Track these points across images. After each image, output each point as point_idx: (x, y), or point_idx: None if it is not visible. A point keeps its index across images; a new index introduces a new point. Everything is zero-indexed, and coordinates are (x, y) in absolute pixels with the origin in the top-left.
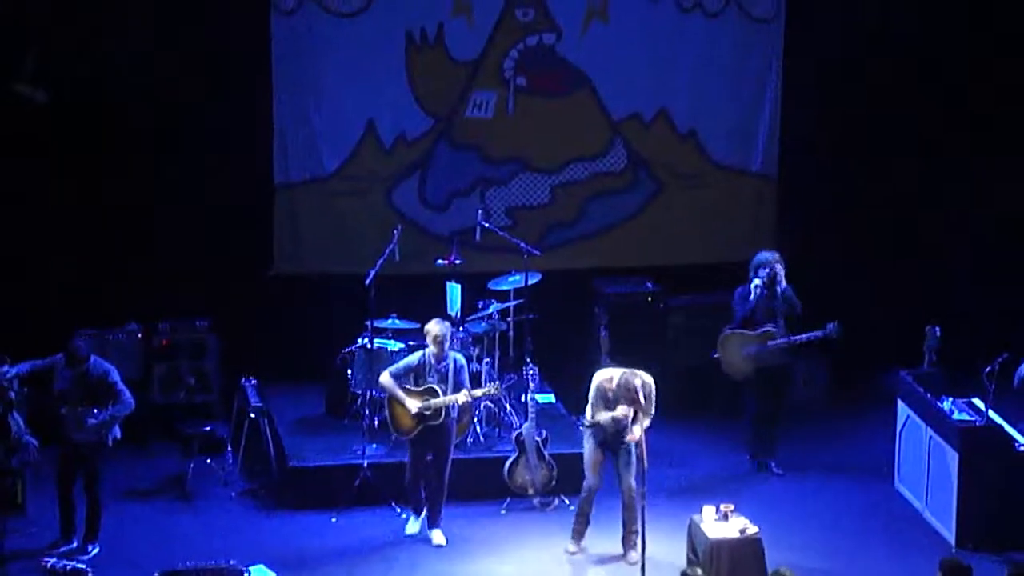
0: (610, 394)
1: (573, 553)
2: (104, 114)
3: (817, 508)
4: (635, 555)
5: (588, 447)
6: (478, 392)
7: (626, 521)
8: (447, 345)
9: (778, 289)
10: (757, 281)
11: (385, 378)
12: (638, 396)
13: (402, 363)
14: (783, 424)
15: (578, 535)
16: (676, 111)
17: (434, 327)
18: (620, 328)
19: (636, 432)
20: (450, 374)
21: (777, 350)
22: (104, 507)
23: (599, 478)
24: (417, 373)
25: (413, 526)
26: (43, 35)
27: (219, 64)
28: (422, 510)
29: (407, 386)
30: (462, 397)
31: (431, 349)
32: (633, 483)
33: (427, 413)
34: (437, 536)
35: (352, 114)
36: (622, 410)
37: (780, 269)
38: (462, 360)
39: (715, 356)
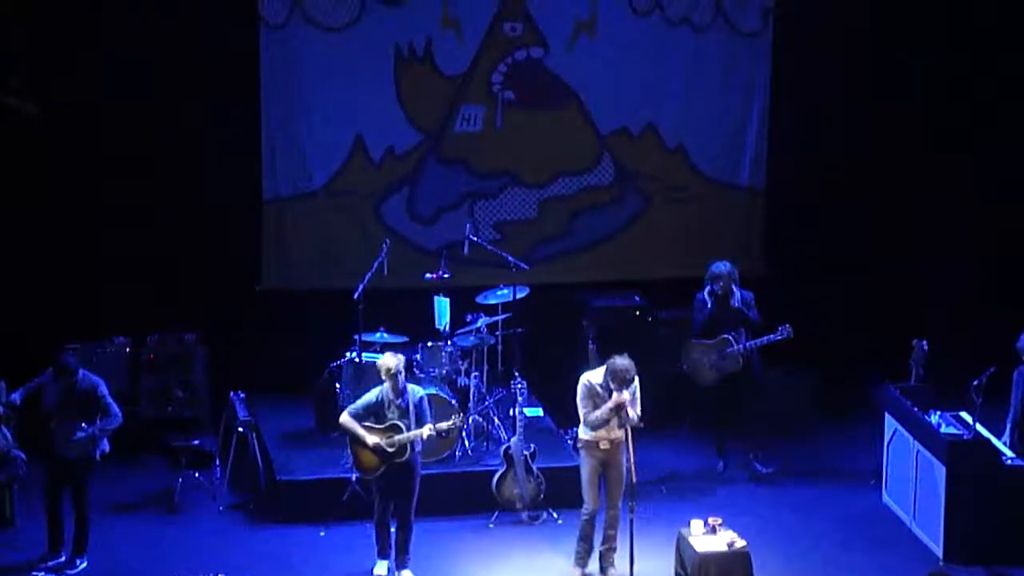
0: (600, 399)
1: None
2: (92, 130)
3: (804, 521)
4: (614, 572)
5: (585, 469)
6: (443, 426)
7: (607, 538)
8: (402, 378)
9: (733, 300)
10: (708, 288)
11: (344, 418)
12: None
13: (360, 401)
14: (760, 427)
15: (581, 560)
16: (664, 125)
17: (386, 360)
18: (608, 342)
19: (626, 397)
20: (411, 408)
21: (735, 357)
22: (92, 521)
23: (598, 501)
24: (376, 411)
25: (381, 568)
26: (34, 47)
27: (208, 78)
28: (388, 552)
29: (369, 424)
30: (426, 432)
31: (386, 384)
32: (620, 504)
33: (390, 450)
34: None
35: (341, 128)
36: (622, 396)
37: (734, 283)
38: (421, 392)
39: (684, 369)
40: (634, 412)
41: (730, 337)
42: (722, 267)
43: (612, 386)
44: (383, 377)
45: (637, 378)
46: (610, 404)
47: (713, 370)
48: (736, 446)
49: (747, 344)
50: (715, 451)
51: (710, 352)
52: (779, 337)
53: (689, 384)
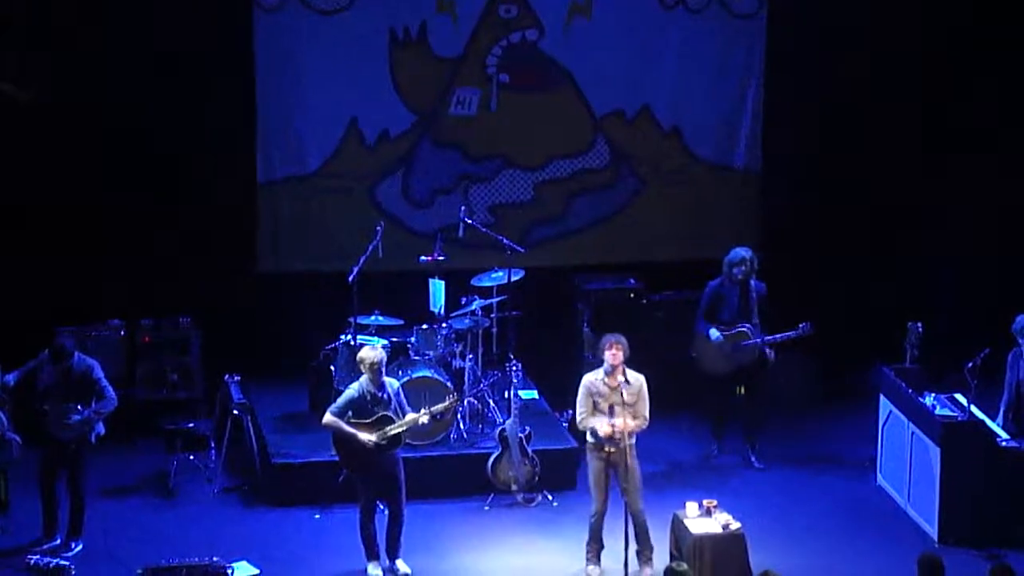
0: (599, 396)
1: None
2: (86, 112)
3: (799, 503)
4: (649, 571)
5: (593, 468)
6: (438, 408)
7: (640, 541)
8: (383, 371)
9: (751, 286)
10: (727, 274)
11: (328, 418)
12: (632, 399)
13: (342, 399)
14: (764, 419)
15: (595, 557)
16: (659, 107)
17: (368, 354)
18: (603, 325)
19: (618, 425)
20: (392, 400)
21: (751, 350)
22: (87, 504)
23: (606, 501)
24: (359, 406)
25: (375, 568)
26: (27, 34)
27: (202, 61)
28: (379, 554)
29: (354, 420)
30: (423, 418)
31: (367, 377)
32: (641, 504)
33: (383, 443)
34: (402, 566)
35: (335, 111)
36: (606, 427)
37: (754, 271)
38: (396, 383)
39: (692, 356)
40: (632, 425)
41: (747, 329)
42: (744, 252)
43: (606, 361)
44: (364, 371)
45: (643, 379)
46: (605, 430)
47: (726, 360)
48: (733, 433)
49: (765, 338)
50: (711, 434)
51: (725, 343)
52: (798, 334)
53: (694, 370)
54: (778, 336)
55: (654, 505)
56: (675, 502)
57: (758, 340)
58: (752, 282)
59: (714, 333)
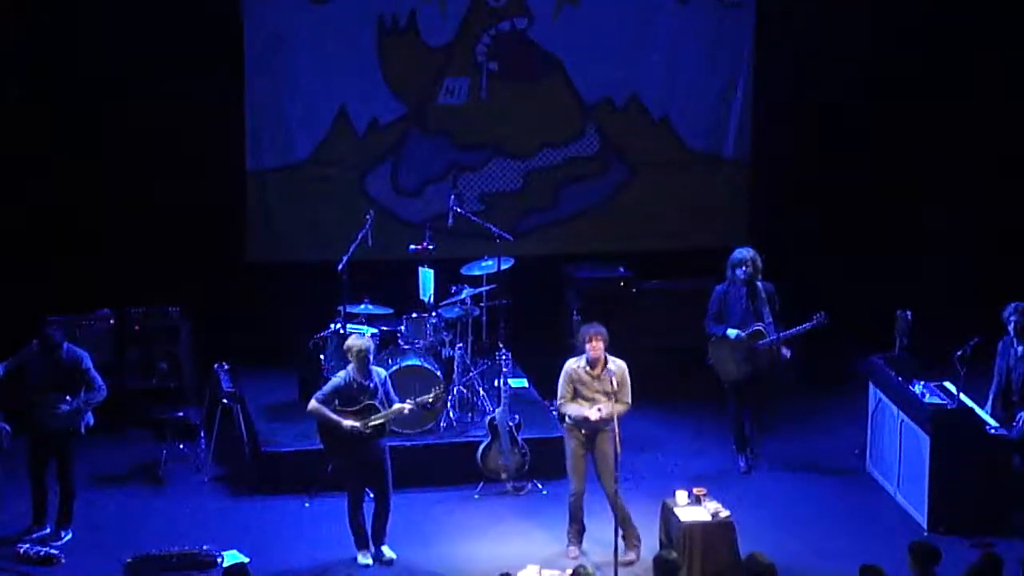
0: (581, 384)
1: (575, 558)
2: (76, 102)
3: (789, 491)
4: (633, 555)
5: (569, 450)
6: (424, 399)
7: (622, 525)
8: (370, 360)
9: (759, 287)
10: (731, 275)
11: (313, 404)
12: (611, 386)
13: (328, 386)
14: (763, 412)
15: (576, 539)
16: (648, 96)
17: (355, 342)
18: (592, 313)
19: (603, 411)
20: (379, 389)
21: (767, 348)
22: (77, 493)
23: (583, 481)
24: (345, 394)
25: (365, 558)
26: (14, 25)
27: (191, 50)
28: (368, 542)
29: (340, 408)
30: (407, 408)
31: (354, 365)
32: (615, 485)
33: (367, 432)
34: (387, 551)
35: (324, 100)
36: (594, 412)
37: (759, 270)
38: (384, 372)
39: (709, 364)
40: (608, 412)
41: (762, 327)
42: (746, 252)
43: (588, 353)
44: (351, 359)
45: (625, 365)
46: (587, 415)
47: (743, 364)
48: (723, 425)
49: (781, 335)
50: (735, 449)
51: (739, 346)
52: (814, 325)
53: (687, 359)
54: (794, 330)
55: (642, 494)
56: (664, 491)
57: (774, 337)
58: (759, 283)
59: (732, 332)
